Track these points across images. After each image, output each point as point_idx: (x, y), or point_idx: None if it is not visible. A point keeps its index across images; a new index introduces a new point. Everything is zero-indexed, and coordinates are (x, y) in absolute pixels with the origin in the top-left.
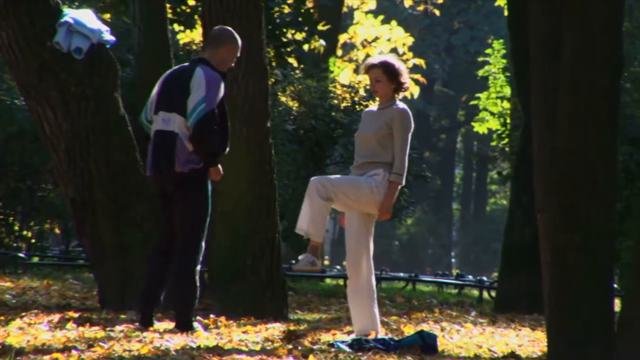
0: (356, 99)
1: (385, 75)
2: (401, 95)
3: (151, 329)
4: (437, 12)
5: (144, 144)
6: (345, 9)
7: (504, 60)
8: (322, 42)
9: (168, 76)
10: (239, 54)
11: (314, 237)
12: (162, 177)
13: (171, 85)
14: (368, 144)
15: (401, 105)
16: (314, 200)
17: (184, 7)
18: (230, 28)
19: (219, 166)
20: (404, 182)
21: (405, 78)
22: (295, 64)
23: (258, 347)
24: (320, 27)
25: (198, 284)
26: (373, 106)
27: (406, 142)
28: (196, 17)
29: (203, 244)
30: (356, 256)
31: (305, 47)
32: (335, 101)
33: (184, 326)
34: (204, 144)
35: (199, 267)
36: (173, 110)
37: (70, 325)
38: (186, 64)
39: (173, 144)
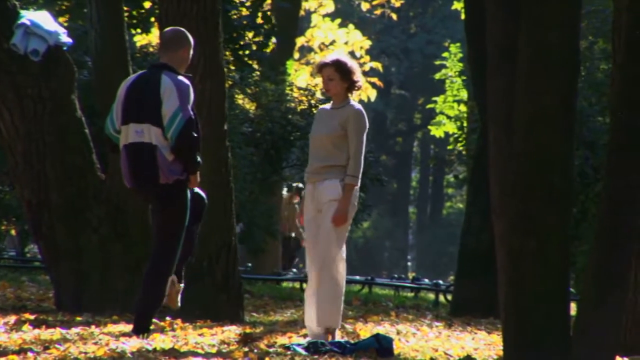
0: (313, 101)
1: (338, 74)
2: (355, 94)
3: (106, 330)
4: (394, 16)
5: (101, 146)
6: (302, 12)
7: (461, 64)
8: (274, 39)
9: (131, 85)
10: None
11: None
12: (145, 190)
13: (138, 94)
14: (322, 145)
15: (356, 105)
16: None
17: (140, 11)
18: (181, 28)
19: (198, 173)
20: (359, 184)
21: (358, 76)
22: (255, 66)
23: (214, 350)
24: (274, 30)
25: (166, 292)
26: (327, 105)
27: (361, 142)
28: (153, 19)
29: (179, 252)
30: (331, 249)
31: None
32: (292, 104)
33: (142, 330)
34: (188, 153)
35: (170, 277)
36: (145, 121)
37: (26, 327)
38: (146, 70)
39: (153, 157)
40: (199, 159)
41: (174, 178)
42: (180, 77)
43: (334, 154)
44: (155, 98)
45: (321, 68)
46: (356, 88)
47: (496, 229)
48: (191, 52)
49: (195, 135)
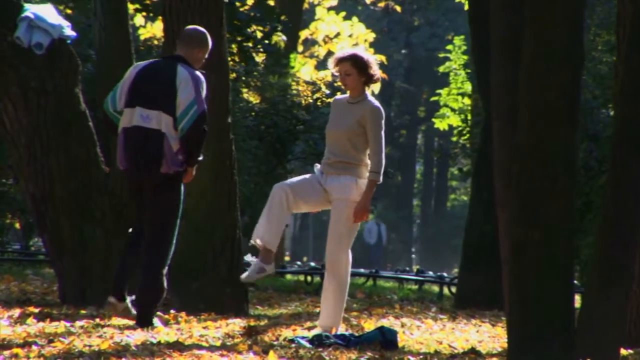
0: (318, 95)
1: (355, 69)
2: (372, 87)
3: (110, 323)
4: (398, 9)
5: (105, 139)
6: (306, 5)
7: (465, 57)
8: (283, 37)
9: (143, 70)
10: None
11: (269, 246)
12: (144, 176)
13: (150, 81)
14: (339, 140)
15: (373, 101)
16: (274, 208)
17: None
18: (202, 29)
19: (194, 169)
20: (381, 180)
21: (375, 70)
22: (259, 59)
23: (218, 343)
24: (282, 19)
25: (165, 284)
26: (343, 96)
27: (381, 138)
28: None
29: (173, 243)
30: (337, 249)
31: (267, 41)
32: (298, 98)
33: (144, 323)
34: (196, 146)
35: (166, 268)
36: (157, 108)
37: (30, 320)
38: (159, 59)
39: (160, 145)
40: (201, 155)
41: (175, 169)
42: (196, 71)
43: (349, 151)
44: (170, 87)
45: (338, 63)
46: (374, 82)
47: (500, 221)
48: (207, 52)
49: (206, 129)
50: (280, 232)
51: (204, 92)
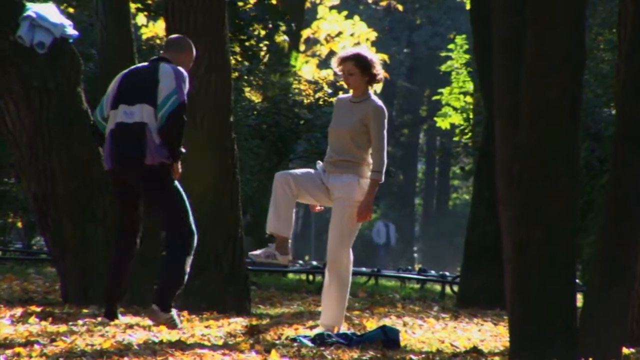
0: (320, 94)
1: (358, 68)
2: (375, 86)
3: (113, 323)
4: (400, 8)
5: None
6: (308, 4)
7: (467, 56)
8: (286, 37)
9: (128, 73)
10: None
11: (282, 232)
12: (128, 171)
13: (134, 80)
14: (342, 139)
15: (376, 100)
16: (278, 196)
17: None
18: (186, 38)
19: (179, 164)
20: (383, 179)
21: (378, 69)
22: (261, 56)
23: (220, 342)
24: (285, 19)
25: (186, 273)
26: (346, 95)
27: (383, 138)
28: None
29: (194, 230)
30: (338, 248)
31: (268, 41)
32: (300, 97)
33: (163, 307)
34: (174, 136)
35: (191, 257)
36: (139, 101)
37: (32, 319)
38: (145, 63)
39: (143, 135)
40: (183, 148)
41: (160, 160)
42: (180, 67)
43: (352, 150)
44: (152, 79)
45: (341, 62)
46: (377, 81)
47: (502, 220)
48: (191, 62)
49: (185, 119)
50: (290, 218)
51: (186, 87)
